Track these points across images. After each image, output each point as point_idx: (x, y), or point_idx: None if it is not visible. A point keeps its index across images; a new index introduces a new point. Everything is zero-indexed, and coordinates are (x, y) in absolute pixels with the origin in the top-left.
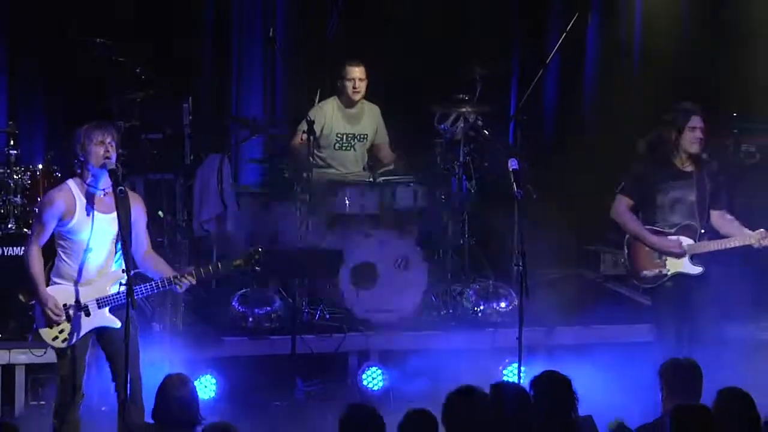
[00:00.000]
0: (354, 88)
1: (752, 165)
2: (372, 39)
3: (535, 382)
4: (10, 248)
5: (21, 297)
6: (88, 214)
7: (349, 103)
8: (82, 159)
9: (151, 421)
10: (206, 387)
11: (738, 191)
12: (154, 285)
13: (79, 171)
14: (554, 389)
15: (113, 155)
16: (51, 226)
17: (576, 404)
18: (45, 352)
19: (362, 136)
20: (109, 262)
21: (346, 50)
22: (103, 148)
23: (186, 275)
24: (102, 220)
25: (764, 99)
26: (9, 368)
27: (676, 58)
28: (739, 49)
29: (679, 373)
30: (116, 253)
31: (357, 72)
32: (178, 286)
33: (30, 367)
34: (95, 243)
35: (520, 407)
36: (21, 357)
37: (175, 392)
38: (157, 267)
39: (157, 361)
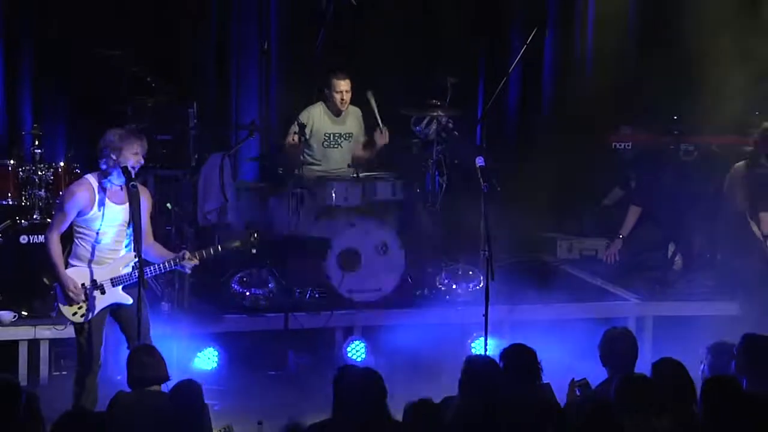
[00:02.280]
0: (342, 99)
1: (691, 161)
2: (356, 51)
3: (505, 353)
4: (35, 236)
5: (45, 280)
6: (101, 205)
7: (336, 111)
8: (114, 158)
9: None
10: (209, 358)
11: (681, 185)
12: (161, 266)
13: (104, 168)
14: (522, 360)
15: (140, 162)
16: (72, 216)
17: (540, 373)
18: (65, 328)
19: (348, 134)
20: (120, 247)
21: (333, 61)
22: (136, 159)
23: (190, 256)
24: (114, 210)
25: (702, 102)
26: (34, 342)
27: (624, 65)
28: (680, 56)
29: (614, 343)
30: (126, 238)
31: (344, 85)
32: (181, 265)
33: (53, 342)
34: (108, 229)
35: (491, 377)
36: (45, 332)
37: (143, 358)
38: (154, 252)
39: (166, 336)
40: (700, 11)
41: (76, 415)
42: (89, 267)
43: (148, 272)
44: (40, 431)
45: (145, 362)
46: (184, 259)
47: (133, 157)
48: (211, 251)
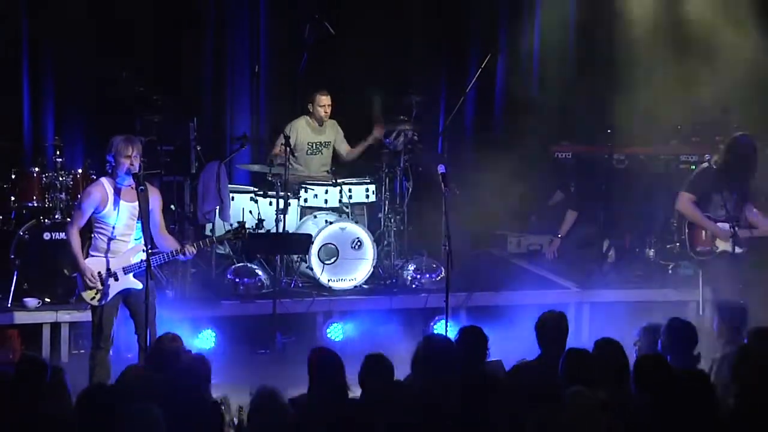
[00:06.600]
0: (325, 112)
1: (622, 169)
2: (334, 73)
3: (462, 331)
4: (57, 233)
5: (65, 270)
6: (115, 204)
7: (320, 122)
8: (113, 164)
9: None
10: (207, 339)
11: (614, 189)
12: (165, 255)
13: (110, 171)
14: (474, 339)
15: (137, 164)
16: (88, 213)
17: (487, 352)
18: (84, 310)
19: (327, 143)
20: (131, 240)
21: (313, 83)
22: (129, 160)
23: (188, 247)
24: (126, 208)
25: (631, 118)
26: (56, 325)
27: (565, 87)
28: (612, 79)
29: (545, 324)
30: (136, 232)
31: (326, 100)
32: (182, 255)
33: (72, 324)
34: (120, 225)
35: (447, 352)
36: (65, 316)
37: (168, 345)
38: (167, 243)
39: (170, 319)
40: (628, 40)
41: (98, 388)
42: (105, 257)
43: (155, 260)
44: (67, 401)
45: (169, 349)
46: (183, 250)
47: (125, 160)
48: (208, 241)
